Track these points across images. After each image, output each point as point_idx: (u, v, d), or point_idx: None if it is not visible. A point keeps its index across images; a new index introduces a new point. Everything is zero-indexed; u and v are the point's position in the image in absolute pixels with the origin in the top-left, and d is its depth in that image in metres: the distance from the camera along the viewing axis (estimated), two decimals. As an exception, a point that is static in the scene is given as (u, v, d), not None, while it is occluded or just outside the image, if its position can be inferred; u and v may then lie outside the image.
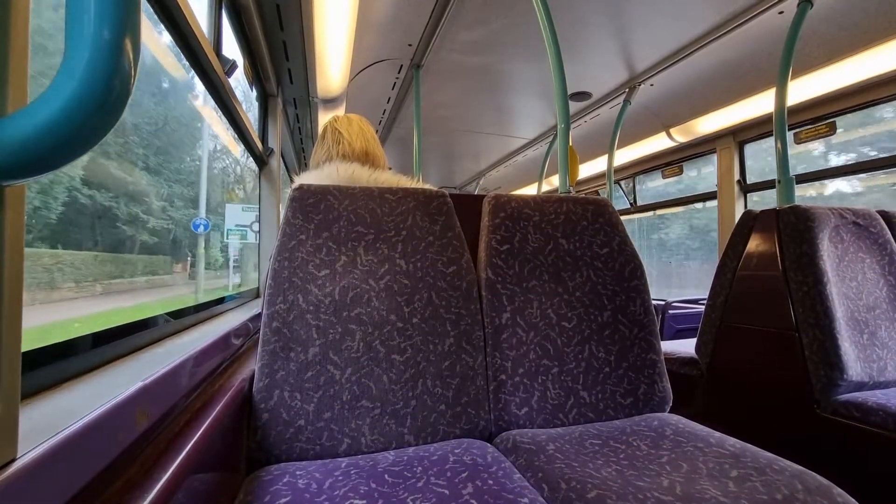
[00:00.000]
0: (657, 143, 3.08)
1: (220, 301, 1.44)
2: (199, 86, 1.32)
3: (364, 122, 1.27)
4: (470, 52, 2.28)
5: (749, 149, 2.72)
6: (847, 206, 1.54)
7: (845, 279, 1.43)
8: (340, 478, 0.75)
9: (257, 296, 2.01)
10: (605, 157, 2.94)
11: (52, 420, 0.41)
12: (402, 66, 2.45)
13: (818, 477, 0.72)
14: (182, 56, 1.12)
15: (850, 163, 2.24)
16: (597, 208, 1.19)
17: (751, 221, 1.64)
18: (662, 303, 2.76)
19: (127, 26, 0.32)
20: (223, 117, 1.62)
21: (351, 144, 1.20)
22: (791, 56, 1.77)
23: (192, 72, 1.23)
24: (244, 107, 1.69)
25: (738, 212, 2.67)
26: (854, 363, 1.30)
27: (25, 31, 0.34)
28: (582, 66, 2.40)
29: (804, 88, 2.12)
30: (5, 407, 0.33)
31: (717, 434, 0.91)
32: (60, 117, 0.30)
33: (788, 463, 0.77)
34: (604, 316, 1.10)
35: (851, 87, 2.03)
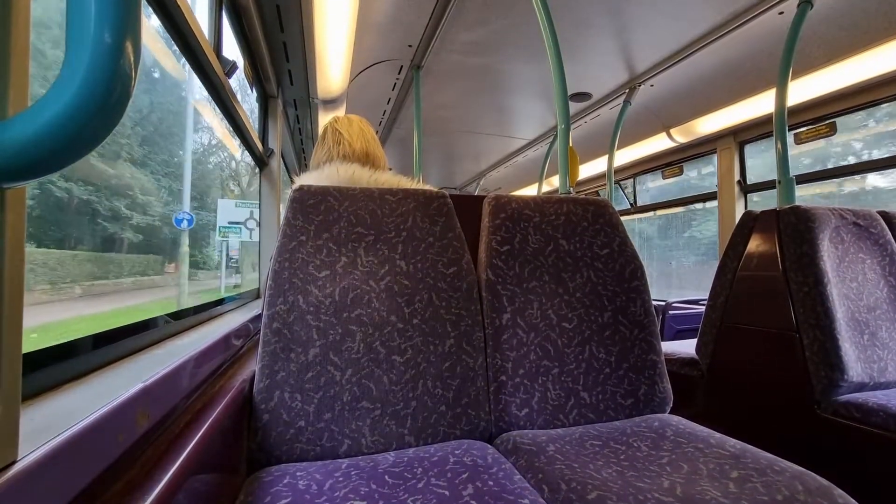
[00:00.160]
0: (657, 143, 3.08)
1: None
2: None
3: (364, 123, 1.27)
4: (470, 52, 2.28)
5: (751, 148, 2.72)
6: (847, 207, 1.54)
7: (846, 280, 1.43)
8: (341, 479, 0.75)
9: (258, 297, 2.01)
10: (606, 157, 2.94)
11: (53, 422, 0.41)
12: (402, 66, 2.46)
13: (818, 478, 0.72)
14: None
15: (850, 163, 2.24)
16: (597, 209, 1.19)
17: (751, 222, 1.64)
18: (663, 303, 2.76)
19: (127, 29, 0.32)
20: (223, 118, 1.62)
21: (351, 145, 1.20)
22: (791, 56, 1.77)
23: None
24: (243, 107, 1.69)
25: (739, 212, 2.67)
26: (854, 364, 1.30)
27: (26, 32, 0.34)
28: (582, 66, 2.40)
29: (804, 89, 2.12)
30: (6, 409, 0.33)
31: (718, 435, 0.91)
32: (61, 120, 0.30)
33: (789, 464, 0.77)
34: (604, 317, 1.10)
35: (852, 87, 2.03)
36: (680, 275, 4.17)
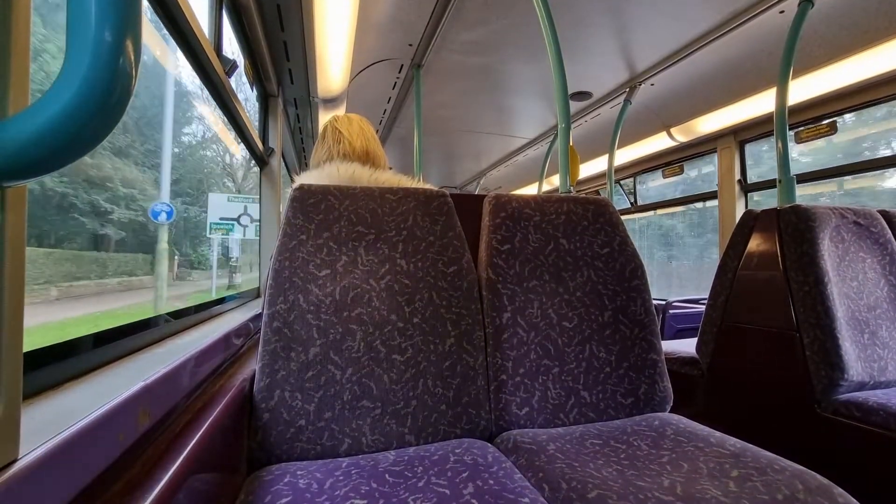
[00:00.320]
0: (658, 142, 3.08)
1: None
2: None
3: (364, 122, 1.27)
4: (470, 51, 2.28)
5: (754, 147, 2.72)
6: (848, 206, 1.54)
7: (846, 279, 1.43)
8: (341, 478, 0.75)
9: (258, 296, 2.01)
10: (606, 156, 2.94)
11: (54, 420, 0.41)
12: (402, 65, 2.45)
13: (819, 477, 0.72)
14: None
15: (851, 162, 2.23)
16: (597, 208, 1.19)
17: (751, 221, 1.64)
18: (663, 302, 2.76)
19: (128, 28, 0.32)
20: (224, 117, 1.62)
21: (351, 144, 1.20)
22: (792, 55, 1.76)
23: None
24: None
25: (739, 211, 2.67)
26: (855, 363, 1.30)
27: (27, 32, 0.34)
28: (582, 65, 2.40)
29: (805, 88, 2.11)
30: (7, 407, 0.33)
31: (718, 434, 0.91)
32: (62, 119, 0.30)
33: (789, 463, 0.77)
34: (604, 316, 1.10)
35: (852, 86, 2.02)
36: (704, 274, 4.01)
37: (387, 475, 0.76)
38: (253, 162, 2.16)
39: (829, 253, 1.42)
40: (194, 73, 1.29)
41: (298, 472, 0.76)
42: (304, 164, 3.93)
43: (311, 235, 0.95)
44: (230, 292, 1.88)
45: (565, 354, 1.05)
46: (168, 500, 0.44)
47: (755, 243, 1.60)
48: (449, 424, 0.93)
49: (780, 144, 1.75)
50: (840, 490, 0.69)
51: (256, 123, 2.19)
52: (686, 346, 1.90)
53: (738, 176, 2.71)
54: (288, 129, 3.04)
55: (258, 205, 2.21)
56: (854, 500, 0.68)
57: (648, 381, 1.08)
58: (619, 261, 1.14)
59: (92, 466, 0.40)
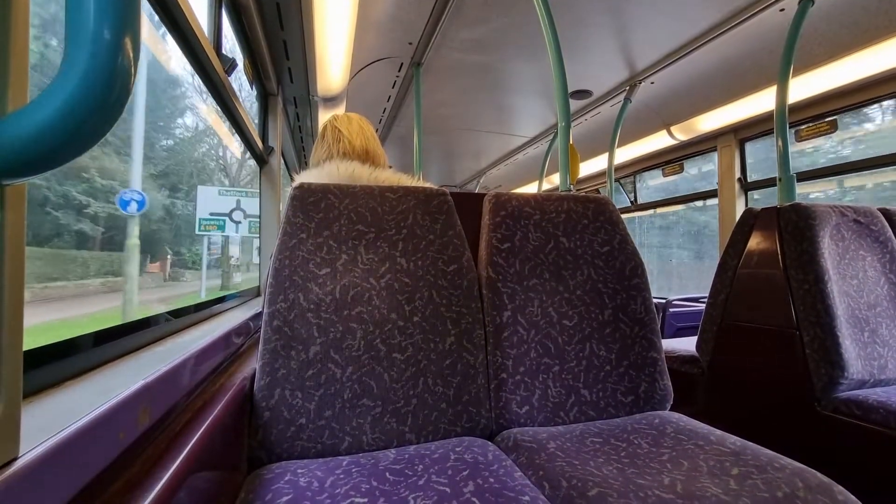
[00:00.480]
0: (658, 141, 3.08)
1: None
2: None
3: (364, 121, 1.27)
4: (470, 50, 2.28)
5: (760, 142, 2.71)
6: (848, 204, 1.54)
7: (846, 277, 1.43)
8: (342, 476, 0.75)
9: (258, 294, 2.01)
10: (606, 155, 2.94)
11: (54, 419, 0.41)
12: (402, 64, 2.45)
13: (819, 475, 0.72)
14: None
15: (851, 160, 2.23)
16: (597, 206, 1.19)
17: (752, 219, 1.64)
18: (663, 301, 2.76)
19: (127, 25, 0.32)
20: (224, 116, 1.62)
21: (351, 143, 1.20)
22: (792, 54, 1.76)
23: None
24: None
25: (739, 210, 2.66)
26: (855, 361, 1.30)
27: (25, 30, 0.34)
28: (582, 64, 2.39)
29: (805, 86, 2.11)
30: (7, 406, 0.33)
31: (718, 432, 0.91)
32: (61, 116, 0.30)
33: (789, 461, 0.77)
34: (604, 314, 1.10)
35: (852, 84, 2.02)
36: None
37: (387, 473, 0.76)
38: (248, 154, 2.08)
39: (829, 251, 1.42)
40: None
41: (299, 471, 0.76)
42: (303, 163, 3.92)
43: (311, 234, 0.95)
44: (223, 293, 1.73)
45: (565, 353, 1.05)
46: (169, 499, 0.44)
47: (755, 241, 1.60)
48: (449, 423, 0.93)
49: (780, 143, 1.75)
50: (840, 488, 0.69)
51: (256, 122, 2.19)
52: (686, 345, 1.90)
53: (738, 174, 2.71)
54: (288, 128, 3.04)
55: (251, 199, 2.10)
56: (854, 498, 0.68)
57: (648, 380, 1.08)
58: (620, 259, 1.14)
59: (92, 465, 0.40)
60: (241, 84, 1.88)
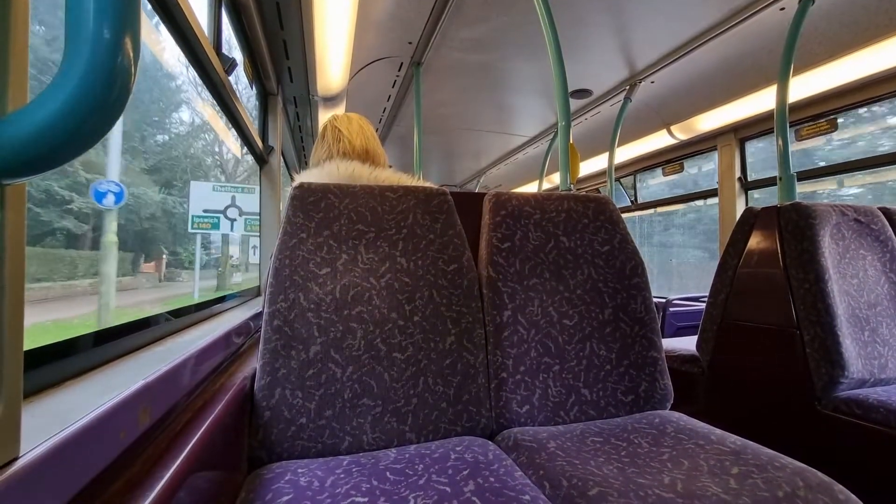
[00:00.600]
0: (658, 140, 3.07)
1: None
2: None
3: (363, 121, 1.27)
4: (470, 49, 2.28)
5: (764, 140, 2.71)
6: (848, 203, 1.54)
7: (846, 276, 1.43)
8: (342, 475, 0.75)
9: (258, 294, 2.01)
10: (606, 154, 2.94)
11: (55, 419, 0.41)
12: (402, 63, 2.45)
13: (819, 474, 0.72)
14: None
15: (851, 159, 2.23)
16: (598, 206, 1.19)
17: (752, 219, 1.64)
18: (663, 300, 2.76)
19: (127, 25, 0.32)
20: (223, 116, 1.62)
21: (351, 142, 1.20)
22: (792, 53, 1.76)
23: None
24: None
25: (740, 209, 2.66)
26: (855, 360, 1.30)
27: (25, 30, 0.34)
28: (582, 63, 2.39)
29: (805, 85, 2.11)
30: (8, 405, 0.33)
31: (718, 431, 0.91)
32: (61, 116, 0.30)
33: (789, 460, 0.77)
34: (605, 314, 1.10)
35: (853, 83, 2.02)
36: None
37: (387, 473, 0.76)
38: (245, 149, 2.04)
39: (829, 250, 1.42)
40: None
41: (299, 471, 0.76)
42: (303, 163, 3.92)
43: (311, 234, 0.95)
44: (221, 293, 1.62)
45: (566, 352, 1.05)
46: (169, 499, 0.44)
47: (755, 241, 1.60)
48: (449, 422, 0.93)
49: (780, 142, 1.75)
50: (840, 487, 0.69)
51: (256, 122, 2.19)
52: (686, 344, 1.90)
53: (738, 173, 2.71)
54: (288, 128, 3.04)
55: (247, 195, 2.08)
56: (854, 497, 0.68)
57: (649, 379, 1.08)
58: (620, 258, 1.14)
59: (93, 465, 0.40)
60: (237, 79, 1.82)
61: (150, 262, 2.40)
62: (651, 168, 3.50)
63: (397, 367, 0.92)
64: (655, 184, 3.74)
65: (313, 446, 0.85)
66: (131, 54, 0.32)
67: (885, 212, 1.60)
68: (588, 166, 3.87)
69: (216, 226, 2.60)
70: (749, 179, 2.71)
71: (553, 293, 1.09)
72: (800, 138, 2.38)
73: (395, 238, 1.01)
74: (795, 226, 1.45)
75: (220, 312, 1.29)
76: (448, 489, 0.70)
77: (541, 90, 2.80)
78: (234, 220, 2.68)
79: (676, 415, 1.01)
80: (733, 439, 0.87)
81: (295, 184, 1.01)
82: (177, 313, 1.00)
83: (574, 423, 1.01)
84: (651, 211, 3.86)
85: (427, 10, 1.94)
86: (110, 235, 1.75)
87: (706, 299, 1.75)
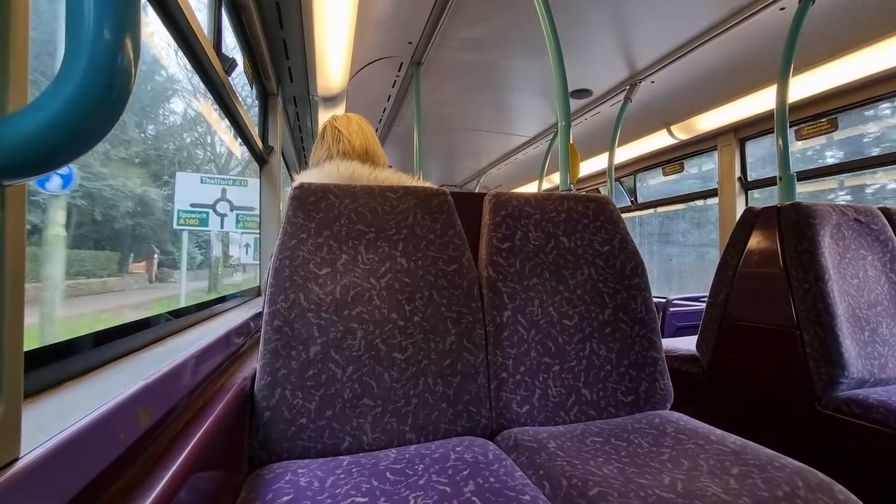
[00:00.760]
0: (658, 140, 3.08)
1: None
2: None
3: (363, 121, 1.27)
4: (470, 49, 2.28)
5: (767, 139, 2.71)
6: (848, 203, 1.54)
7: (846, 276, 1.43)
8: (342, 476, 0.75)
9: (258, 294, 2.01)
10: (606, 154, 2.94)
11: (55, 419, 0.41)
12: (402, 63, 2.45)
13: (819, 474, 0.72)
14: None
15: (852, 159, 2.23)
16: (598, 206, 1.19)
17: (752, 218, 1.64)
18: (663, 300, 2.76)
19: (127, 26, 0.32)
20: (223, 115, 1.62)
21: (351, 143, 1.20)
22: (792, 52, 1.76)
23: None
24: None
25: (740, 209, 2.66)
26: (855, 360, 1.30)
27: (25, 30, 0.34)
28: (582, 63, 2.39)
29: (805, 85, 2.11)
30: (8, 406, 0.33)
31: (718, 431, 0.91)
32: (61, 116, 0.30)
33: (789, 460, 0.77)
34: (605, 314, 1.10)
35: (853, 83, 2.02)
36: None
37: (388, 473, 0.76)
38: (239, 140, 2.00)
39: (829, 250, 1.42)
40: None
41: (299, 471, 0.76)
42: (303, 163, 3.92)
43: (311, 234, 0.95)
44: (214, 295, 1.42)
45: (566, 352, 1.05)
46: (169, 499, 0.44)
47: (755, 241, 1.60)
48: (449, 422, 0.93)
49: (780, 142, 1.75)
50: (840, 487, 0.69)
51: (256, 122, 2.19)
52: (686, 344, 1.90)
53: (738, 173, 2.71)
54: (287, 128, 3.04)
55: (240, 188, 2.03)
56: (854, 497, 0.68)
57: (649, 379, 1.08)
58: (620, 258, 1.14)
59: (93, 465, 0.40)
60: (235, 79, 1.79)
61: (140, 261, 2.20)
62: (651, 168, 3.50)
63: (397, 367, 0.92)
64: (656, 183, 3.73)
65: (313, 446, 0.85)
66: (131, 55, 0.32)
67: (885, 212, 1.60)
68: (588, 166, 3.87)
69: (204, 222, 2.37)
70: (749, 179, 2.71)
71: (553, 293, 1.09)
72: (800, 138, 2.38)
73: (396, 238, 1.01)
74: (795, 226, 1.45)
75: (221, 312, 1.29)
76: (448, 489, 0.70)
77: (541, 90, 2.80)
78: (225, 215, 2.47)
79: (676, 415, 1.01)
80: (733, 439, 0.87)
81: (295, 184, 1.01)
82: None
83: (574, 423, 1.01)
84: (651, 211, 3.86)
85: (427, 10, 1.94)
86: (55, 228, 1.39)
87: (706, 299, 1.75)
